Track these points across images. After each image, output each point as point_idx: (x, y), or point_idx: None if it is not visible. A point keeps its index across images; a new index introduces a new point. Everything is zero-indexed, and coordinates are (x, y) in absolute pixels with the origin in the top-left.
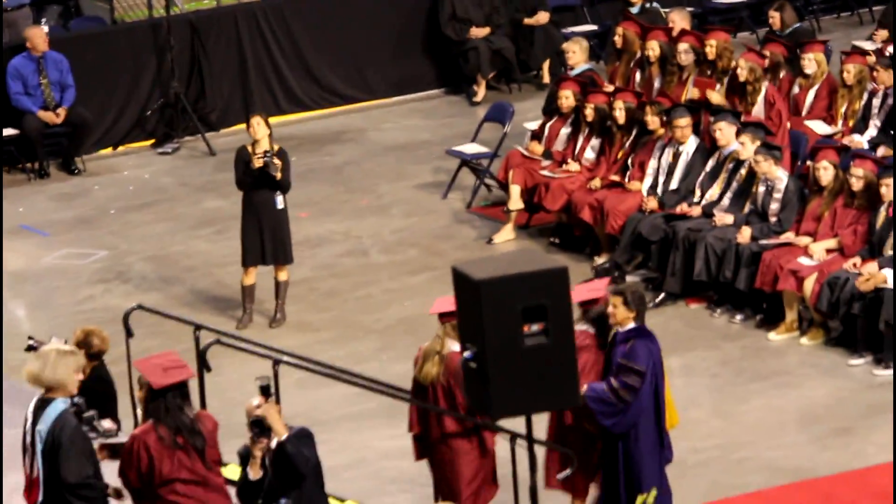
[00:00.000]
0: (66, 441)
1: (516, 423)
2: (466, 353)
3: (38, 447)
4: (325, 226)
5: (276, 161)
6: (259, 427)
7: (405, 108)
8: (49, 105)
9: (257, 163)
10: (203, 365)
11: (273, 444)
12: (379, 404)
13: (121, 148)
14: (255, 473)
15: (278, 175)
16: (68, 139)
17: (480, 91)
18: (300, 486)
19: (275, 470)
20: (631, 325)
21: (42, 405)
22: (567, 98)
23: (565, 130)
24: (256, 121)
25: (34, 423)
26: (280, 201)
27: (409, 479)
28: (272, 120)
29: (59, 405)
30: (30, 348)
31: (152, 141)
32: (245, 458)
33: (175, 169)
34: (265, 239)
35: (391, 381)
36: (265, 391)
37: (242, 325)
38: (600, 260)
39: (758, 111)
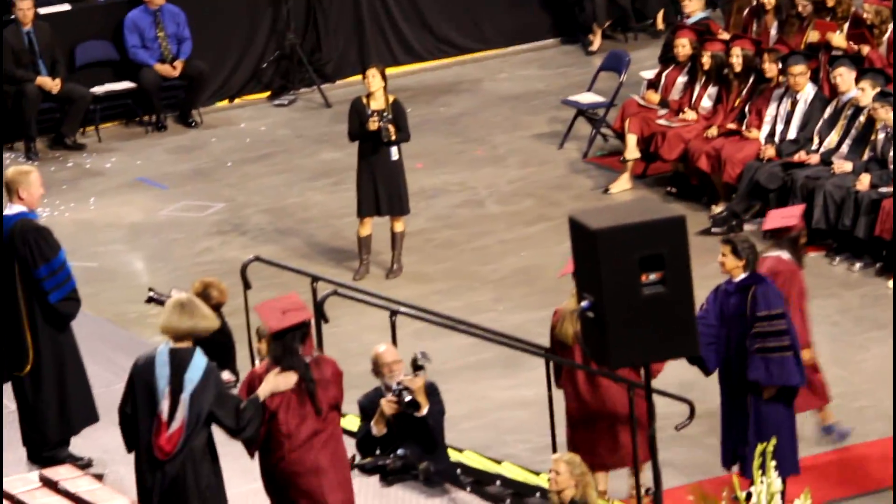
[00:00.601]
0: (222, 389)
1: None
2: (584, 303)
3: (186, 394)
4: (440, 177)
5: (391, 127)
6: (413, 406)
7: (520, 58)
8: (166, 58)
9: (372, 126)
10: (320, 316)
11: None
12: (496, 354)
13: (237, 100)
14: (379, 430)
15: (392, 137)
16: (185, 92)
17: (596, 40)
18: (434, 453)
19: (409, 436)
20: (742, 275)
21: (177, 354)
22: (683, 46)
23: (682, 79)
24: (372, 73)
25: (174, 373)
26: (395, 152)
27: (526, 429)
28: (388, 71)
29: (202, 355)
30: (150, 300)
31: (268, 93)
32: (366, 410)
33: (291, 121)
34: (379, 190)
35: (507, 332)
36: (416, 366)
37: (359, 276)
38: (717, 209)
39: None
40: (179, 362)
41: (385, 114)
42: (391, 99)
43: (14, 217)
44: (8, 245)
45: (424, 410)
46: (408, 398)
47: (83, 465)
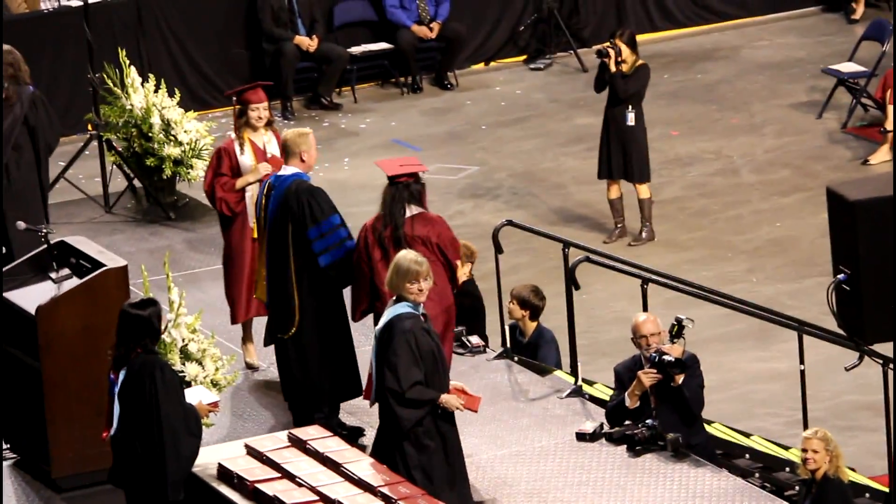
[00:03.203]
0: (394, 345)
1: (889, 348)
2: (840, 276)
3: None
4: (696, 144)
5: (611, 52)
6: (679, 366)
7: (781, 26)
8: (423, 20)
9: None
10: (572, 282)
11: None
12: (748, 326)
13: (493, 63)
14: (633, 403)
15: (611, 65)
16: (441, 54)
17: (859, 8)
18: (691, 425)
19: (667, 408)
20: None
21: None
22: None
23: None
24: (613, 44)
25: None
26: (630, 118)
27: (777, 402)
28: (643, 37)
29: (397, 308)
30: None
31: (524, 56)
32: (622, 379)
33: (547, 85)
34: (613, 153)
35: (761, 303)
36: (680, 332)
37: (611, 239)
38: None
39: None
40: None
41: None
42: (639, 63)
43: (289, 178)
44: (283, 205)
45: (680, 380)
46: (670, 359)
47: (354, 433)
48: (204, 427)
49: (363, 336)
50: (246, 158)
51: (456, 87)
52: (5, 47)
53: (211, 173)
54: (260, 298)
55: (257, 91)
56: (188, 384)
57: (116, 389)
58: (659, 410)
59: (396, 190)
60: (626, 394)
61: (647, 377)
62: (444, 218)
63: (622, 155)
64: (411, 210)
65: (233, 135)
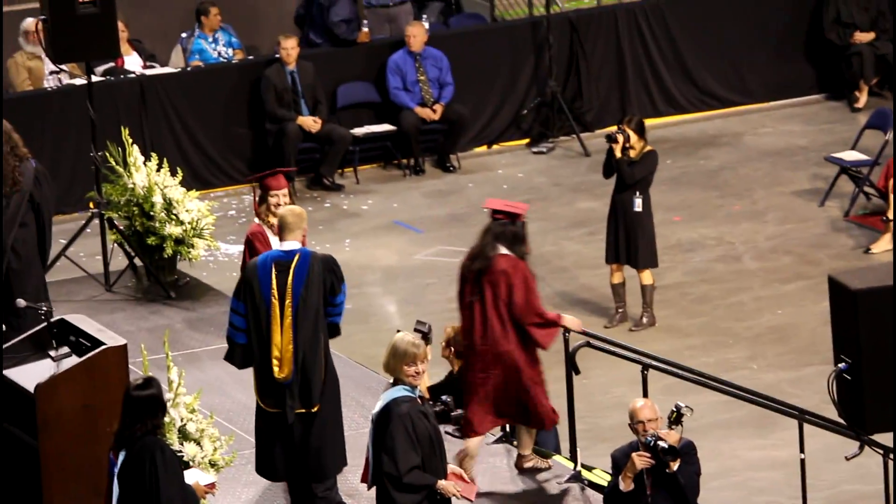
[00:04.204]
0: (391, 429)
1: (890, 438)
2: (841, 365)
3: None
4: (698, 230)
5: (619, 137)
6: (672, 453)
7: (784, 113)
8: (426, 102)
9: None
10: (572, 367)
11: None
12: (748, 413)
13: (496, 146)
14: (626, 485)
15: (616, 151)
16: (444, 136)
17: (862, 97)
18: None
19: (662, 495)
20: None
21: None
22: None
23: None
24: (621, 129)
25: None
26: (638, 204)
27: (777, 490)
28: (648, 122)
29: (393, 392)
30: (417, 330)
31: (527, 140)
32: (619, 464)
33: (549, 168)
34: (619, 239)
35: (761, 391)
36: (678, 419)
37: (612, 324)
38: None
39: None
40: None
41: (613, 135)
42: (647, 149)
43: (306, 252)
44: (311, 278)
45: (675, 466)
46: (664, 445)
47: None
48: None
49: (361, 418)
50: (277, 241)
51: (458, 170)
52: None
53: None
54: (281, 379)
55: (278, 178)
56: (186, 465)
57: (116, 470)
58: (654, 497)
59: (491, 225)
60: (620, 476)
61: (640, 460)
62: (532, 279)
63: (628, 241)
64: (499, 250)
65: (256, 220)
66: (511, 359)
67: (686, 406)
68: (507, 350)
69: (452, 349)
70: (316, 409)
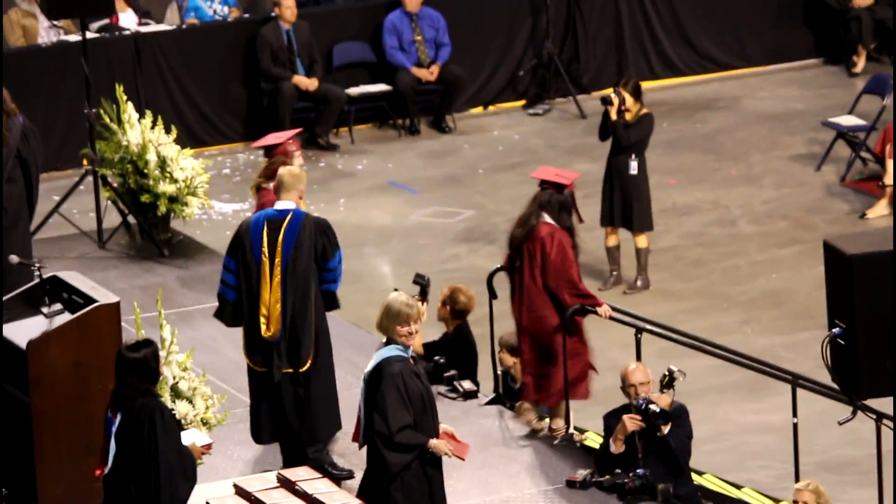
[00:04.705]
0: (383, 388)
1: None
2: (835, 330)
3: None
4: (693, 194)
5: (615, 99)
6: (663, 417)
7: (781, 77)
8: (423, 63)
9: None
10: (566, 329)
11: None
12: (742, 377)
13: (491, 107)
14: (617, 447)
15: (612, 113)
16: (440, 97)
17: (860, 62)
18: (678, 476)
19: (652, 457)
20: None
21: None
22: None
23: None
24: (617, 92)
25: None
26: (633, 167)
27: (769, 455)
28: (646, 84)
29: (386, 351)
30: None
31: (523, 102)
32: (611, 427)
33: (545, 130)
34: (615, 201)
35: (755, 355)
36: (671, 382)
37: (606, 286)
38: None
39: None
40: None
41: (608, 97)
42: (643, 112)
43: (298, 213)
44: (301, 239)
45: (666, 430)
46: (655, 409)
47: (343, 476)
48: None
49: (354, 378)
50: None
51: (454, 131)
52: None
53: None
54: (268, 337)
55: (294, 141)
56: (182, 426)
57: (114, 429)
58: (645, 460)
59: (539, 194)
60: (611, 439)
61: (631, 422)
62: (570, 249)
63: (623, 204)
64: (543, 218)
65: (269, 185)
66: (543, 325)
67: (678, 370)
68: (539, 316)
69: (449, 308)
70: (305, 369)
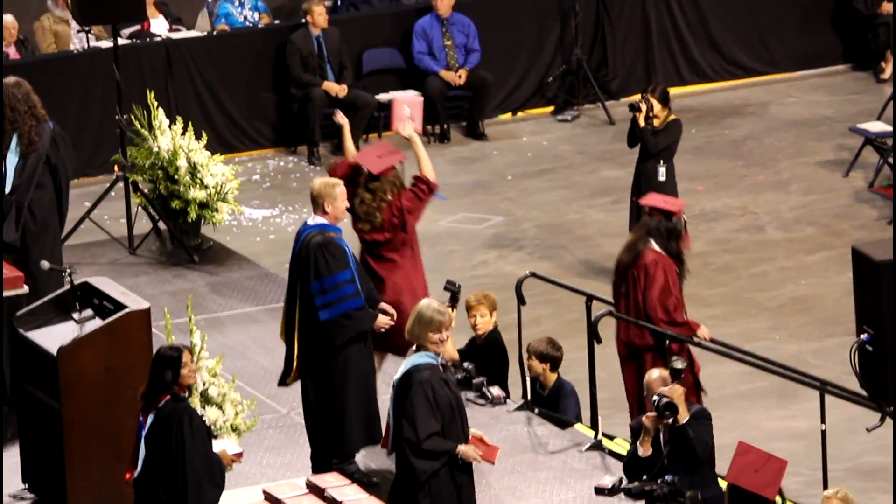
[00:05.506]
0: (411, 395)
1: None
2: (863, 336)
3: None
4: (721, 200)
5: (643, 106)
6: (670, 409)
7: (809, 83)
8: (452, 67)
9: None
10: (594, 336)
11: (669, 421)
12: (770, 384)
13: (520, 113)
14: (645, 450)
15: (640, 120)
16: (469, 102)
17: (888, 68)
18: (696, 470)
19: (672, 451)
20: None
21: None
22: None
23: None
24: (645, 98)
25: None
26: (661, 173)
27: (797, 461)
28: (674, 90)
29: (416, 358)
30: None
31: (552, 108)
32: (636, 431)
33: (574, 136)
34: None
35: (783, 361)
36: (677, 374)
37: None
38: None
39: None
40: None
41: (636, 104)
42: (671, 118)
43: (312, 227)
44: (298, 255)
45: (683, 420)
46: (661, 401)
47: (370, 483)
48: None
49: (384, 384)
50: None
51: (483, 137)
52: (13, 79)
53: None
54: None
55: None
56: (215, 435)
57: (144, 432)
58: (670, 461)
59: (646, 220)
60: (639, 442)
61: (649, 420)
62: (673, 276)
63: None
64: (650, 245)
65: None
66: (640, 352)
67: (675, 357)
68: (639, 344)
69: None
70: (288, 384)
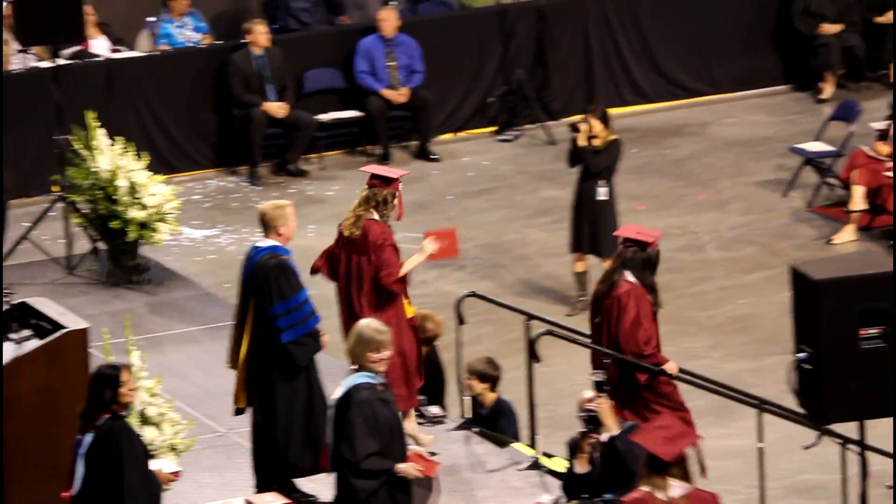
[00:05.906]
0: (350, 415)
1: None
2: (801, 355)
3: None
4: (662, 219)
5: (583, 126)
6: (592, 423)
7: (749, 104)
8: (395, 88)
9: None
10: (532, 355)
11: (604, 438)
12: (708, 402)
13: (462, 133)
14: (581, 467)
15: (580, 140)
16: (411, 123)
17: (828, 88)
18: (629, 484)
19: (605, 466)
20: None
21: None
22: None
23: None
24: (586, 119)
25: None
26: (602, 193)
27: (735, 479)
28: (615, 111)
29: (355, 378)
30: None
31: (494, 128)
32: (573, 450)
33: (515, 156)
34: (583, 228)
35: (722, 380)
36: (599, 387)
37: (572, 312)
38: None
39: None
40: None
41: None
42: (611, 138)
43: (264, 250)
44: (252, 278)
45: (612, 432)
46: (584, 415)
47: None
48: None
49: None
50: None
51: (437, 157)
52: None
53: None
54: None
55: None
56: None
57: (82, 450)
58: (604, 475)
59: (622, 251)
60: (575, 459)
61: (587, 441)
62: (645, 307)
63: (592, 230)
64: (624, 276)
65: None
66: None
67: (595, 371)
68: (615, 375)
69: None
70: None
